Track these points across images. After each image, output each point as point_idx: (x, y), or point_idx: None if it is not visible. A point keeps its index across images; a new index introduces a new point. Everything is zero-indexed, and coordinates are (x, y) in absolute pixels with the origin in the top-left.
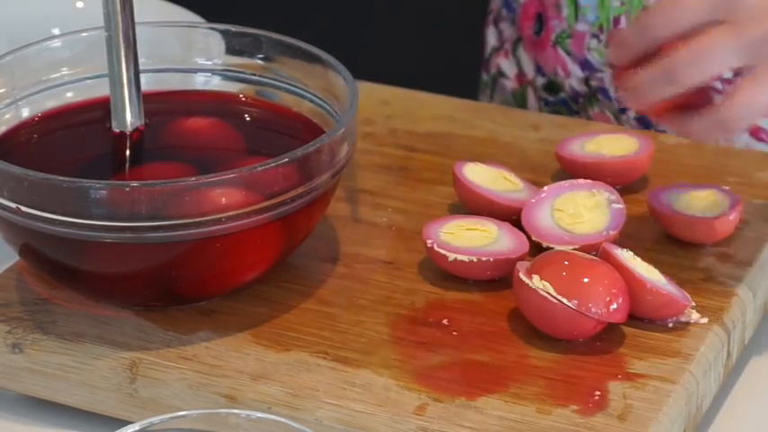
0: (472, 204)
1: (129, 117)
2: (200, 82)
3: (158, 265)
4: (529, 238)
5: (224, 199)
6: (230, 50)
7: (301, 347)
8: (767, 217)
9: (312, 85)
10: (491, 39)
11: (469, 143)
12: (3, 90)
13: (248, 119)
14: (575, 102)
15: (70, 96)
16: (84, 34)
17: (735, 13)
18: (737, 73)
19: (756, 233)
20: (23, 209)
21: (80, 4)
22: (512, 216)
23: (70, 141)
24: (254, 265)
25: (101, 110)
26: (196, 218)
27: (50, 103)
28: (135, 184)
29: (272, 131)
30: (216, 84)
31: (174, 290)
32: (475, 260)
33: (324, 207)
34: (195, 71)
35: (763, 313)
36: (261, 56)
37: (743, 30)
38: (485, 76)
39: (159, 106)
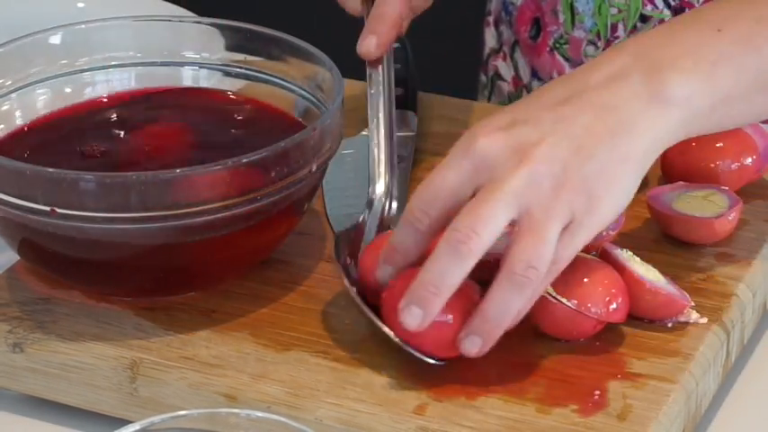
0: None
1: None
2: (195, 77)
3: (152, 253)
4: None
5: (206, 191)
6: (226, 46)
7: (301, 347)
8: (766, 217)
9: (301, 79)
10: (490, 40)
11: None
12: None
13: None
14: None
15: (67, 91)
16: (81, 26)
17: (489, 172)
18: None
19: (756, 233)
20: (18, 202)
21: (81, 5)
22: None
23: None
24: (235, 257)
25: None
26: (178, 209)
27: (46, 95)
28: (121, 174)
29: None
30: (215, 79)
31: (169, 279)
32: None
33: (307, 201)
34: (182, 64)
35: (763, 313)
36: (254, 51)
37: (503, 183)
38: (483, 78)
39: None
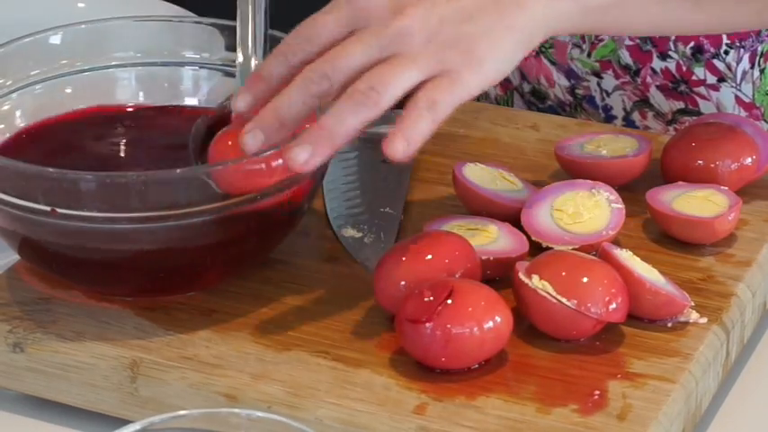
0: (472, 204)
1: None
2: (195, 77)
3: (152, 253)
4: (529, 237)
5: (206, 191)
6: (226, 46)
7: (301, 347)
8: (766, 217)
9: None
10: None
11: (469, 143)
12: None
13: None
14: (561, 109)
15: (68, 91)
16: (81, 26)
17: (366, 21)
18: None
19: (755, 233)
20: (19, 202)
21: (81, 5)
22: (512, 216)
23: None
24: (235, 257)
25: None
26: (178, 209)
27: (46, 95)
28: (122, 174)
29: None
30: (216, 79)
31: (169, 279)
32: None
33: (307, 201)
34: (182, 65)
35: (762, 313)
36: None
37: (375, 31)
38: None
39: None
